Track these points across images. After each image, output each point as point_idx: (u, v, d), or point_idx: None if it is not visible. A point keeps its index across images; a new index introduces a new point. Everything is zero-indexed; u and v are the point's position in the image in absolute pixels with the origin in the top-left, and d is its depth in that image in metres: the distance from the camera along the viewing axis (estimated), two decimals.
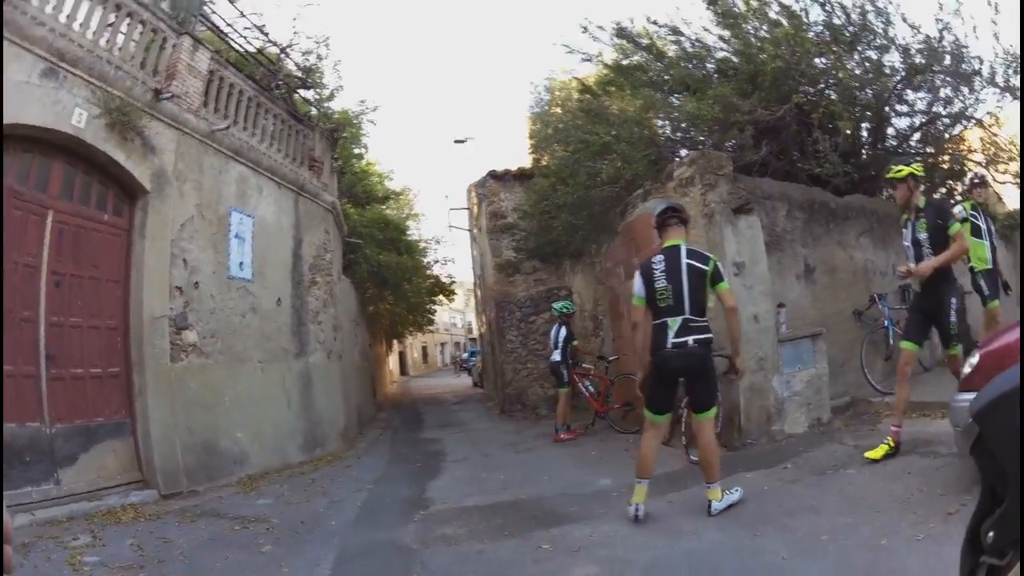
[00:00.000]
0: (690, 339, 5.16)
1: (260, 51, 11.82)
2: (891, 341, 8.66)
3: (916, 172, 5.97)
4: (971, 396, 4.28)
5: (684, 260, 5.22)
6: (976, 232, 7.73)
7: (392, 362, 43.75)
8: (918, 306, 6.26)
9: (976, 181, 8.31)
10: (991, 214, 7.98)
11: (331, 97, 14.28)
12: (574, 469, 7.98)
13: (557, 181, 10.84)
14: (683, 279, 5.18)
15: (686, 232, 5.54)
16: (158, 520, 6.38)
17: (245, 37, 11.84)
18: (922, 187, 5.90)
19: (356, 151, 20.06)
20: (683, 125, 9.76)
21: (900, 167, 6.02)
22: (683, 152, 9.58)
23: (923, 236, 6.05)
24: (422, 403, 23.67)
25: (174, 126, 8.40)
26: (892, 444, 5.89)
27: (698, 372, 5.25)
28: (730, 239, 7.67)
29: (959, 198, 9.46)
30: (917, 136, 10.54)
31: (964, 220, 7.46)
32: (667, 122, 10.04)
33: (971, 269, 7.78)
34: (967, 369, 4.54)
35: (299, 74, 12.34)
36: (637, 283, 5.42)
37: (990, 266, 7.70)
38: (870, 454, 5.93)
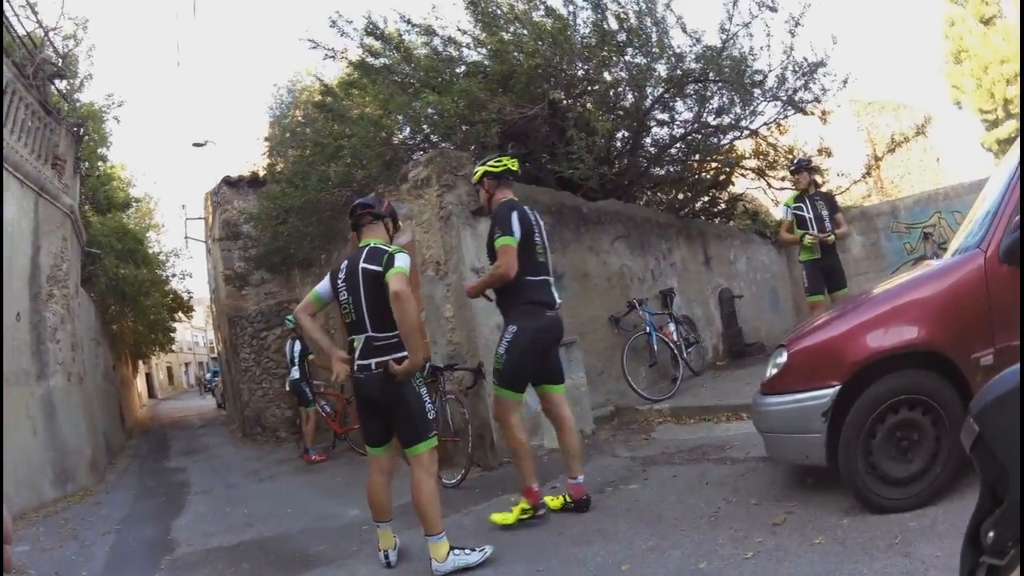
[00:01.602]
0: (374, 361, 4.27)
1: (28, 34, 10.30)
2: (655, 347, 8.48)
3: (491, 170, 5.09)
4: (778, 399, 4.10)
5: (361, 264, 4.34)
6: (801, 224, 7.65)
7: (140, 384, 40.87)
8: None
9: (799, 166, 8.00)
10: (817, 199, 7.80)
11: (81, 87, 12.39)
12: (319, 499, 7.45)
13: (288, 186, 9.78)
14: (360, 289, 4.33)
15: (389, 231, 4.74)
16: None
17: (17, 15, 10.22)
18: (510, 181, 5.12)
19: (101, 151, 18.26)
20: (424, 127, 9.24)
21: (476, 169, 5.25)
22: (421, 154, 8.97)
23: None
24: (169, 427, 22.57)
25: None
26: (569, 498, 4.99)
27: (388, 401, 4.29)
28: (469, 243, 7.16)
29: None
30: (681, 145, 10.55)
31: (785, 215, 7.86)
32: (407, 123, 9.43)
33: (800, 261, 7.84)
34: (773, 370, 4.20)
35: (56, 61, 10.51)
36: (324, 282, 4.63)
37: (816, 256, 7.59)
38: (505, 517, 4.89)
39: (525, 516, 4.82)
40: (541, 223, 5.07)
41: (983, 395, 1.80)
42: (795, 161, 8.33)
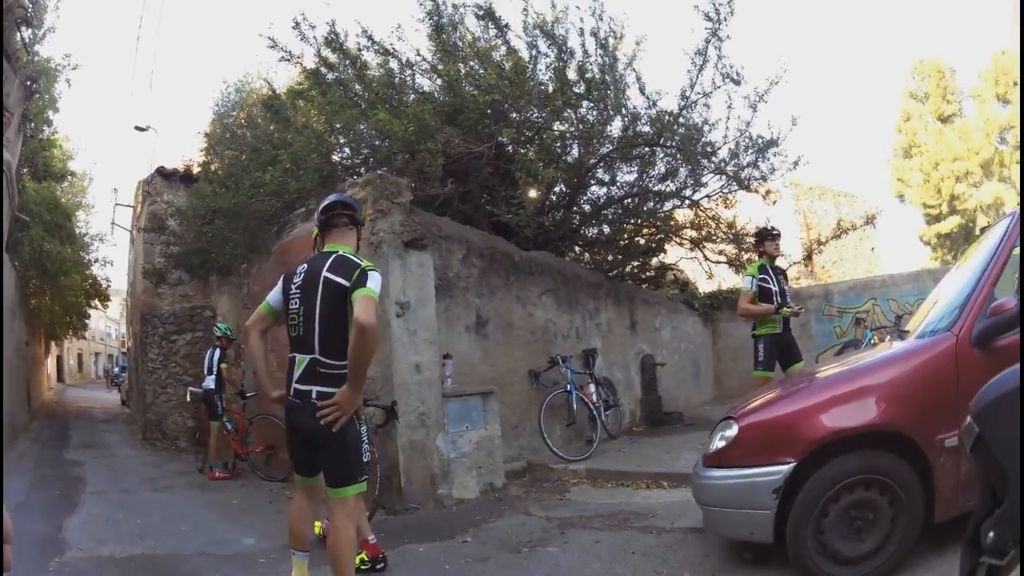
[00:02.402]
0: (315, 389, 3.64)
1: None
2: (574, 406, 8.32)
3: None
4: (725, 473, 4.00)
5: (324, 273, 3.69)
6: (766, 295, 7.02)
7: (50, 366, 39.59)
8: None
9: (768, 234, 7.42)
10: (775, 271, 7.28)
11: (42, 39, 11.81)
12: (215, 521, 7.01)
13: (220, 187, 9.44)
14: (317, 301, 3.69)
15: (358, 239, 4.11)
16: None
17: None
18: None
19: (48, 115, 17.60)
20: (364, 150, 8.99)
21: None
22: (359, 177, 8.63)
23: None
24: (73, 417, 21.62)
25: None
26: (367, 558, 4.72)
27: (322, 436, 3.61)
28: (397, 275, 6.83)
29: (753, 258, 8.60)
30: (617, 207, 10.48)
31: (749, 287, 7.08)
32: (348, 144, 9.22)
33: (753, 335, 7.16)
34: (720, 443, 4.07)
35: (27, 4, 9.97)
36: (276, 289, 4.00)
37: (778, 331, 7.05)
38: None
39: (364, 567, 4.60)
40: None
41: (983, 396, 1.91)
42: (764, 229, 7.63)
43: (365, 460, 3.76)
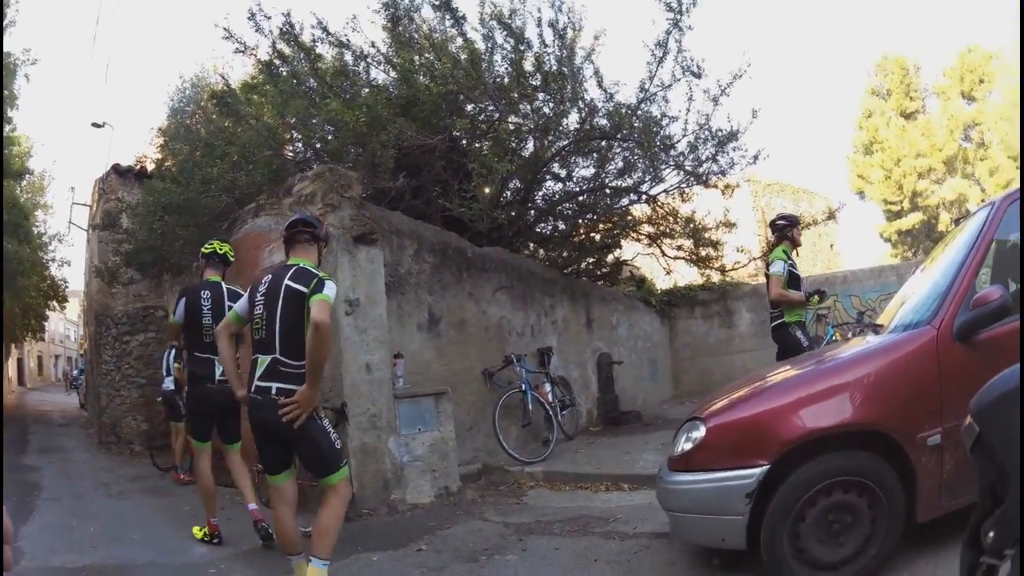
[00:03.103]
0: (275, 386, 4.04)
1: None
2: (530, 406, 8.17)
3: (203, 251, 6.22)
4: (692, 477, 3.83)
5: (285, 282, 4.13)
6: (795, 282, 6.82)
7: (11, 369, 39.39)
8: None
9: (793, 220, 7.26)
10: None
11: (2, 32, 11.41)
12: (167, 528, 6.83)
13: (171, 182, 9.23)
14: (278, 307, 4.12)
15: (319, 254, 4.53)
16: None
17: None
18: (216, 262, 6.15)
19: (7, 112, 16.90)
20: (316, 144, 8.80)
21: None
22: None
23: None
24: (32, 420, 21.54)
25: None
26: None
27: (285, 431, 4.02)
28: (346, 271, 6.63)
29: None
30: (573, 203, 10.37)
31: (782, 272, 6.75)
32: (299, 138, 9.05)
33: (784, 323, 6.80)
34: (687, 444, 3.88)
35: None
36: (243, 299, 4.50)
37: (804, 319, 6.94)
38: None
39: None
40: (223, 303, 5.75)
41: (983, 395, 1.89)
42: (792, 216, 7.47)
43: (338, 447, 4.19)
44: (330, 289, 4.05)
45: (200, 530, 5.92)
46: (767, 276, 7.07)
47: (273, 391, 4.01)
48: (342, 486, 4.18)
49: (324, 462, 4.13)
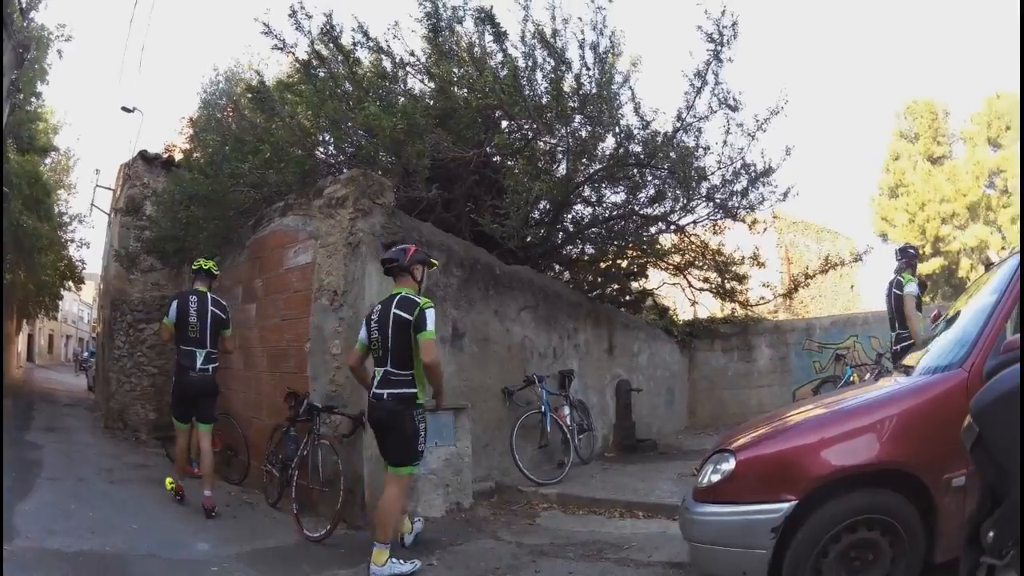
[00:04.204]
0: (386, 392, 5.12)
1: None
2: (547, 428, 8.14)
3: (192, 267, 7.51)
4: (719, 509, 3.87)
5: (392, 310, 5.13)
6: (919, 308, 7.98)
7: (21, 344, 39.13)
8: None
9: (914, 252, 8.59)
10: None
11: (38, 4, 11.44)
12: (169, 520, 6.83)
13: (199, 174, 9.23)
14: (389, 331, 5.13)
15: (416, 276, 5.39)
16: None
17: None
18: (203, 277, 7.29)
19: (38, 86, 17.19)
20: (349, 148, 8.77)
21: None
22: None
23: None
24: (39, 398, 21.35)
25: None
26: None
27: (389, 426, 5.14)
28: (373, 278, 6.60)
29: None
30: (602, 227, 10.32)
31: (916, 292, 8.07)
32: (333, 141, 9.00)
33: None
34: (715, 476, 3.91)
35: None
36: (363, 329, 5.42)
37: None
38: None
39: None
40: (207, 307, 7.05)
41: (983, 396, 1.91)
42: (914, 246, 8.85)
43: (420, 450, 5.20)
44: (431, 322, 5.00)
45: (171, 483, 7.31)
46: (897, 296, 8.14)
47: (385, 396, 5.10)
48: (406, 478, 5.25)
49: (404, 453, 5.12)
